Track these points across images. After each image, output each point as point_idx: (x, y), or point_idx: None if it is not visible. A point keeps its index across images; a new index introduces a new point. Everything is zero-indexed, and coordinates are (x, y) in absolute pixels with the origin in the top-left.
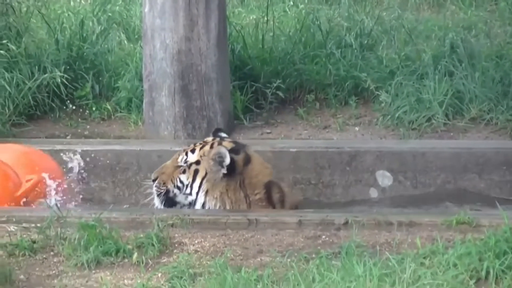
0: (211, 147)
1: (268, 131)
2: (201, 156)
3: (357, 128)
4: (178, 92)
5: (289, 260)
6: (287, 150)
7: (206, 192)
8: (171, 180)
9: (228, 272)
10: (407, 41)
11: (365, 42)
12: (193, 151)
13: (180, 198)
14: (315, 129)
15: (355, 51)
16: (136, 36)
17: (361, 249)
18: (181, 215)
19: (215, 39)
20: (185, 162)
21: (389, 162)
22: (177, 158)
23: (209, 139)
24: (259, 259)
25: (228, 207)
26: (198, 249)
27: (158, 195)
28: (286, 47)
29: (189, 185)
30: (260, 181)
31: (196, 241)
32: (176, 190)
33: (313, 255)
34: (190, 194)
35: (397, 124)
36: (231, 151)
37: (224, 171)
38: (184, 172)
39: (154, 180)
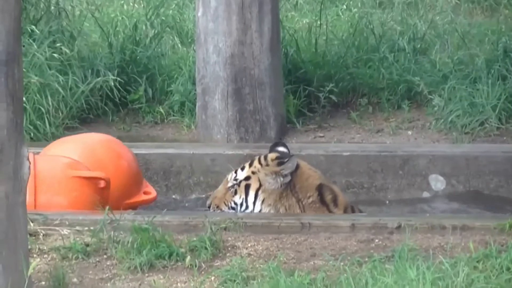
0: (259, 162)
1: (321, 135)
2: (252, 172)
3: (410, 132)
4: (231, 95)
5: (342, 263)
6: (340, 154)
7: (263, 201)
8: (224, 203)
9: (281, 276)
10: (460, 45)
11: (418, 46)
12: (242, 168)
13: None
14: (368, 133)
15: (408, 55)
16: (189, 40)
17: (414, 253)
18: (234, 219)
19: (268, 43)
20: (235, 179)
21: (442, 166)
22: (227, 179)
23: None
24: (312, 263)
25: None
26: (251, 253)
27: None
28: (339, 51)
29: (243, 201)
30: (311, 184)
31: (249, 245)
32: (231, 211)
33: (366, 259)
34: (247, 207)
35: (450, 128)
36: (277, 159)
37: (289, 178)
38: (235, 192)
39: (209, 207)
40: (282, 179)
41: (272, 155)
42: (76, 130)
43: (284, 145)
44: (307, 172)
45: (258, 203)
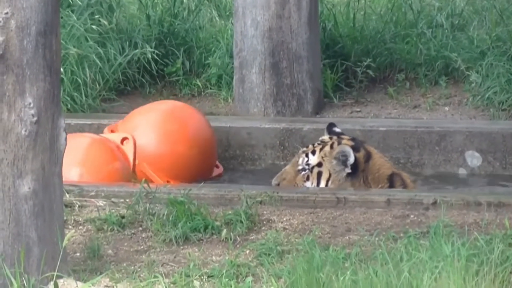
0: (331, 147)
1: (358, 109)
2: (322, 158)
3: (447, 108)
4: (268, 69)
5: (377, 239)
6: (377, 129)
7: None
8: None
9: (316, 250)
10: (498, 22)
11: (456, 22)
12: (313, 152)
13: None
14: (404, 109)
15: (446, 31)
16: (227, 13)
17: (449, 229)
18: (270, 192)
19: (306, 17)
20: (307, 164)
21: (478, 142)
22: (297, 161)
23: (326, 137)
24: (347, 238)
25: None
26: (287, 227)
27: None
28: (377, 26)
29: None
30: (382, 175)
31: (285, 219)
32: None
33: (401, 234)
34: None
35: (487, 105)
36: (351, 149)
37: (349, 170)
38: (308, 178)
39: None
40: (343, 167)
41: (346, 142)
42: (113, 102)
43: (336, 126)
44: (378, 163)
45: None
